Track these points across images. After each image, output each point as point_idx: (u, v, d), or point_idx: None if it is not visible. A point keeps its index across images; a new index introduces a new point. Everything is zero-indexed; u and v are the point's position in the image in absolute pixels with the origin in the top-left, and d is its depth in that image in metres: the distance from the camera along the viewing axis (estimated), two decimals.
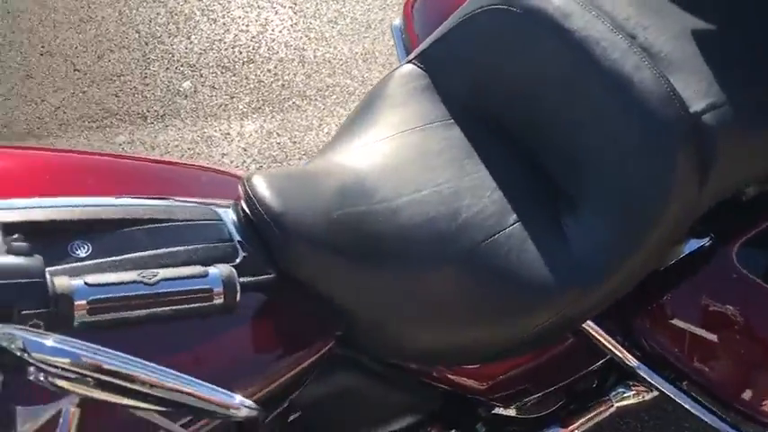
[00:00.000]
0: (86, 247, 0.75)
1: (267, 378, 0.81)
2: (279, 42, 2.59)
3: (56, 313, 0.58)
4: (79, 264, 0.73)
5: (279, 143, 2.28)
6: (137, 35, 2.58)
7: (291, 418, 0.95)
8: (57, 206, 0.78)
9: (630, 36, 0.98)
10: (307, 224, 0.86)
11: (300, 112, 2.37)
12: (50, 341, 0.53)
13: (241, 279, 0.80)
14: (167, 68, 2.48)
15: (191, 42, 2.58)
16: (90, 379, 0.53)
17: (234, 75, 2.47)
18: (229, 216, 0.87)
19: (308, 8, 2.72)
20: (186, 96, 2.40)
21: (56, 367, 0.52)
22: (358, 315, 0.92)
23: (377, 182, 0.96)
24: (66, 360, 0.52)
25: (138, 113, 2.33)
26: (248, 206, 0.86)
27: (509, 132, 1.05)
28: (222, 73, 2.48)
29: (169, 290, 0.64)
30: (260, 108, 2.37)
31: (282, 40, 2.60)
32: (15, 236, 0.70)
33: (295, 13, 2.70)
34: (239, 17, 2.67)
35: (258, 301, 0.83)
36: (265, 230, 0.84)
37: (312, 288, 0.87)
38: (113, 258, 0.74)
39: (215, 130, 2.30)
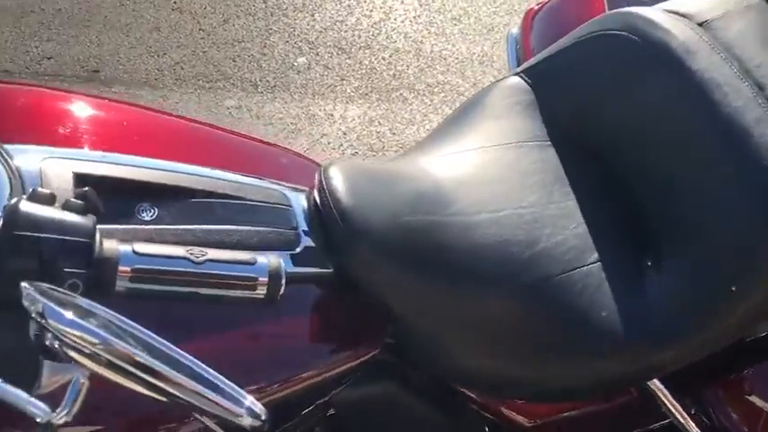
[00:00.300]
0: (153, 211, 0.76)
1: (305, 372, 0.80)
2: (398, 32, 2.58)
3: (97, 276, 0.58)
4: (137, 227, 0.74)
5: (378, 132, 2.27)
6: (263, 5, 2.64)
7: (328, 413, 0.94)
8: (133, 165, 0.79)
9: (758, 85, 0.90)
10: (374, 223, 0.84)
11: (406, 104, 2.35)
12: (70, 314, 0.53)
13: (297, 269, 0.79)
14: (286, 42, 2.52)
15: (313, 19, 2.60)
16: (102, 358, 0.53)
17: (348, 57, 2.48)
18: (300, 203, 0.86)
19: (433, 2, 2.69)
20: (299, 72, 2.43)
21: (71, 339, 0.52)
22: (412, 326, 0.89)
23: (457, 193, 0.93)
24: (81, 335, 0.52)
25: (251, 81, 2.38)
26: (319, 196, 0.85)
27: (607, 165, 0.99)
28: (338, 54, 2.49)
29: (213, 271, 0.63)
30: (367, 95, 2.37)
31: (403, 30, 2.59)
32: (86, 189, 0.72)
33: (420, 5, 2.68)
34: (365, 1, 2.68)
35: (311, 294, 0.82)
36: (331, 223, 0.83)
37: (369, 289, 0.85)
38: (174, 227, 0.75)
39: (320, 110, 2.31)
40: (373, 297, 0.85)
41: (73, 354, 0.53)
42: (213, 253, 0.64)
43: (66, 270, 0.56)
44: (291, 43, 2.52)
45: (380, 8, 2.66)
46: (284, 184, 0.88)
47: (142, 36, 2.49)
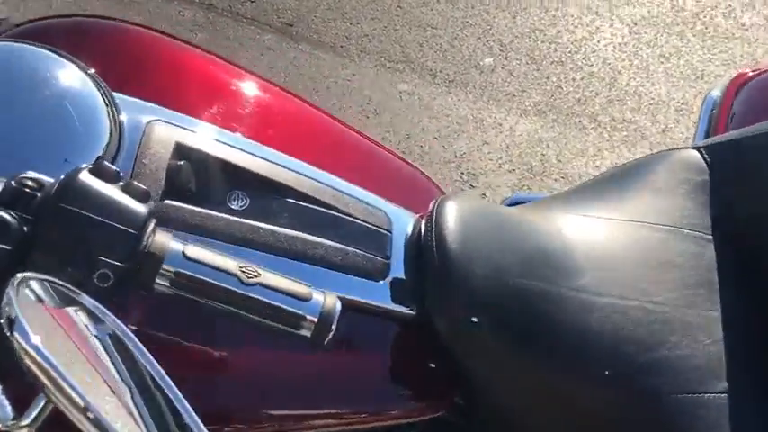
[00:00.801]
0: (244, 201, 0.72)
1: (359, 414, 0.73)
2: (598, 56, 2.41)
3: (138, 270, 0.54)
4: (217, 214, 0.70)
5: (544, 155, 2.14)
6: None
7: None
8: (242, 150, 0.75)
9: None
10: (476, 277, 0.75)
11: (583, 133, 2.20)
12: (38, 338, 0.47)
13: (376, 302, 0.72)
14: (478, 38, 2.44)
15: (513, 21, 2.49)
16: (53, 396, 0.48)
17: (537, 69, 2.35)
18: (404, 229, 0.79)
19: (646, 33, 2.48)
20: (482, 72, 2.34)
21: (29, 362, 0.47)
22: (490, 392, 0.80)
23: (585, 264, 0.82)
24: (40, 363, 0.47)
25: (431, 70, 2.32)
26: (425, 228, 0.77)
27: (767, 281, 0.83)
28: (527, 63, 2.37)
29: (260, 298, 0.57)
30: (544, 112, 2.24)
31: (603, 55, 2.41)
32: (182, 162, 0.69)
33: (630, 33, 2.48)
34: (572, 15, 2.52)
35: (386, 331, 0.75)
36: (429, 262, 0.75)
37: (451, 343, 0.77)
38: (257, 224, 0.70)
39: (490, 116, 2.22)
40: (454, 352, 0.77)
41: (30, 375, 0.48)
42: (267, 277, 0.58)
43: (101, 258, 0.53)
44: (483, 41, 2.43)
45: (586, 26, 2.49)
46: (394, 205, 0.81)
47: (341, 0, 2.50)
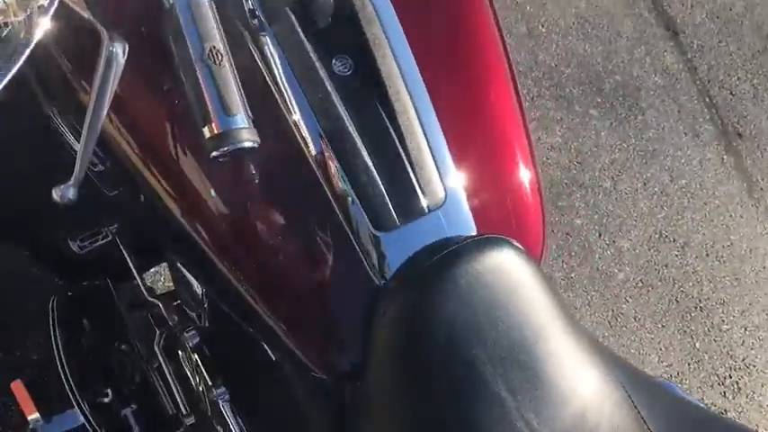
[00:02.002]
0: (348, 66, 0.76)
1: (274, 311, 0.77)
2: None
3: None
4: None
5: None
6: None
7: None
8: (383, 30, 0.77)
9: None
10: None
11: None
12: None
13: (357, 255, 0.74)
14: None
15: None
16: None
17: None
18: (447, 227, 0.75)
19: None
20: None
21: None
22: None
23: None
24: None
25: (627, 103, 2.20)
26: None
27: None
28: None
29: (199, 81, 0.62)
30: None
31: None
32: None
33: None
34: None
35: (347, 278, 0.77)
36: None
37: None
38: (335, 100, 0.74)
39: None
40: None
41: None
42: (222, 72, 0.61)
43: None
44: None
45: None
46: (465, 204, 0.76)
47: None
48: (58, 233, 1.18)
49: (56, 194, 0.61)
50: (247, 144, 0.60)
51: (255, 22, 0.73)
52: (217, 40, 0.60)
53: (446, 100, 0.80)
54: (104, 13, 0.66)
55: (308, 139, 0.73)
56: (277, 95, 0.73)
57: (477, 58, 0.86)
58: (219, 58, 0.59)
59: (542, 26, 2.38)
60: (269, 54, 0.72)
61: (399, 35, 0.79)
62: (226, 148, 0.59)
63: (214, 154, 0.60)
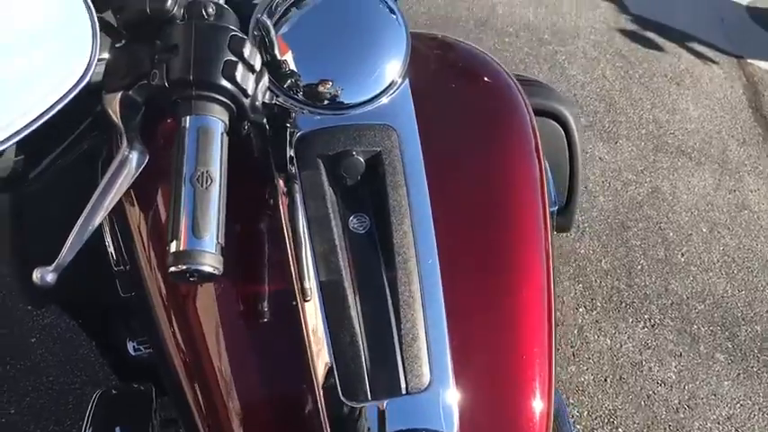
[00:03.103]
0: (365, 225, 0.78)
1: None
2: None
3: None
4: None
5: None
6: None
7: None
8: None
9: None
10: None
11: None
12: None
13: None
14: None
15: None
16: None
17: None
18: None
19: None
20: None
21: None
22: None
23: None
24: None
25: (763, 358, 2.08)
26: None
27: None
28: None
29: (184, 200, 0.64)
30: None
31: None
32: (358, 156, 0.81)
33: None
34: None
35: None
36: None
37: None
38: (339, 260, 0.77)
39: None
40: None
41: None
42: (210, 196, 0.64)
43: None
44: None
45: None
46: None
47: None
48: (122, 331, 1.24)
49: (35, 275, 0.65)
50: (206, 269, 0.61)
51: (291, 167, 0.76)
52: (212, 166, 0.63)
53: (460, 284, 0.77)
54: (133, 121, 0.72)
55: (304, 287, 0.73)
56: (286, 236, 0.74)
57: (509, 248, 0.82)
58: (208, 182, 0.62)
59: (682, 256, 2.26)
60: (292, 197, 0.75)
61: (425, 206, 0.79)
62: (184, 267, 0.60)
63: (172, 269, 0.61)
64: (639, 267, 2.21)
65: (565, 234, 2.20)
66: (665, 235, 2.32)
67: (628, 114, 2.73)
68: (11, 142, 0.61)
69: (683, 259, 2.26)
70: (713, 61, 3.09)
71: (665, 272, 2.21)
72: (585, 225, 2.31)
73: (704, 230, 2.36)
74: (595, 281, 2.15)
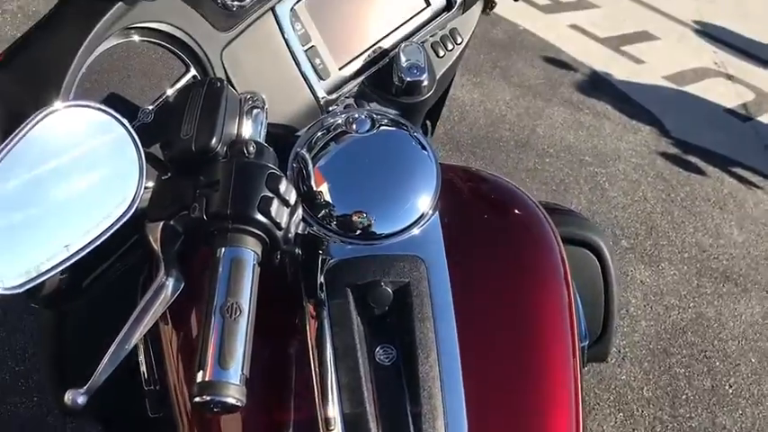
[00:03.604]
0: (391, 356, 0.79)
1: None
2: None
3: None
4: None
5: None
6: None
7: None
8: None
9: None
10: None
11: None
12: None
13: None
14: None
15: None
16: None
17: None
18: None
19: None
20: None
21: None
22: None
23: None
24: None
25: None
26: None
27: None
28: None
29: (212, 334, 0.66)
30: None
31: None
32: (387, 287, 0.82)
33: None
34: None
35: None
36: None
37: None
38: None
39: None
40: None
41: None
42: (238, 328, 0.66)
43: None
44: None
45: None
46: None
47: None
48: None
49: (67, 397, 0.67)
50: (229, 401, 0.62)
51: (321, 294, 0.78)
52: (242, 297, 0.66)
53: (485, 422, 0.76)
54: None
55: (327, 417, 0.73)
56: (312, 365, 0.75)
57: (537, 385, 0.81)
58: (237, 313, 0.64)
59: (730, 387, 2.18)
60: (320, 325, 0.76)
61: (452, 339, 0.79)
62: (208, 398, 0.61)
63: (196, 400, 0.62)
64: (684, 397, 2.13)
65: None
66: (711, 364, 2.24)
67: (670, 238, 2.71)
68: (72, 261, 0.66)
69: (730, 390, 2.17)
70: (757, 186, 3.07)
71: (712, 403, 2.12)
72: (626, 350, 2.25)
73: (753, 361, 2.27)
74: (637, 410, 2.07)
